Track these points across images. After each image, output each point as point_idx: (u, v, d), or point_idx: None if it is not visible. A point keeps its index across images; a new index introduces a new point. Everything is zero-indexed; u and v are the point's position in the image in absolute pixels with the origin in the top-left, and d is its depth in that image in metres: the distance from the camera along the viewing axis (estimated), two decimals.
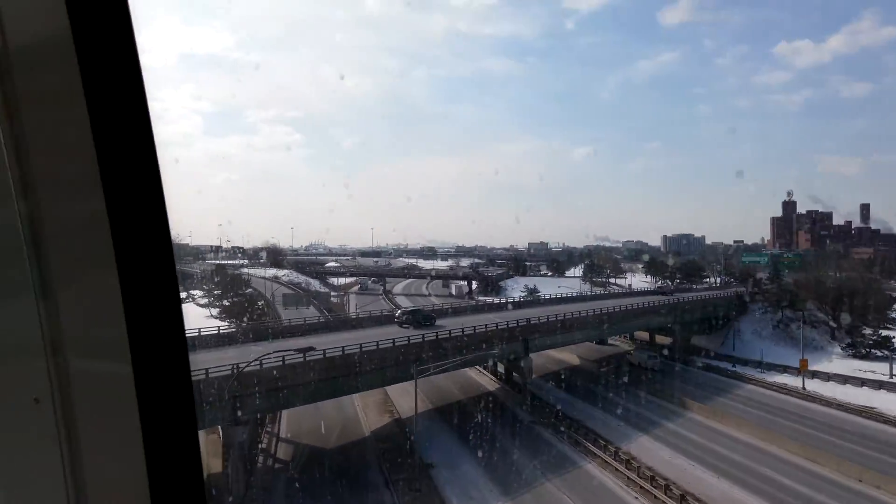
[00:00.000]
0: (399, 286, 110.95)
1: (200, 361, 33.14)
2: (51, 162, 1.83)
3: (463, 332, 44.48)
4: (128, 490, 1.85)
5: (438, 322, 50.22)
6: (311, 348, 31.89)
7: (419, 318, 50.49)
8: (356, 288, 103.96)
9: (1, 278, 1.93)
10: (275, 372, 31.91)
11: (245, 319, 61.48)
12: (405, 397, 47.26)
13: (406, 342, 40.87)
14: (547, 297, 74.20)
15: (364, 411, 45.71)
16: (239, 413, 30.22)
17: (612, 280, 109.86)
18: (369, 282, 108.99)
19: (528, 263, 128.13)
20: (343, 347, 36.11)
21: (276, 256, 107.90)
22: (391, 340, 39.88)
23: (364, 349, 37.19)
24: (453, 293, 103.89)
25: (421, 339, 41.74)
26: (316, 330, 49.25)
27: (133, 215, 1.77)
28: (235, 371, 30.20)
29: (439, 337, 42.92)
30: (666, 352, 61.70)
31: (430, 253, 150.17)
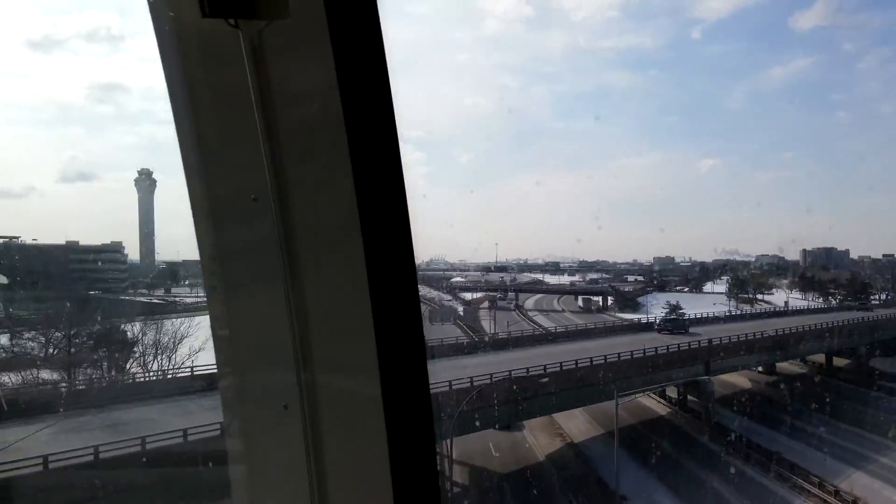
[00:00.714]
0: (529, 301, 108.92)
1: None
2: (306, 174, 1.95)
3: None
4: (370, 494, 1.93)
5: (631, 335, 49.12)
6: (545, 377, 30.66)
7: (677, 326, 57.42)
8: (486, 303, 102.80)
9: (260, 296, 2.12)
10: (514, 385, 31.38)
11: None
12: (571, 420, 45.19)
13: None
14: (700, 315, 69.89)
15: (532, 434, 43.88)
16: (477, 423, 30.06)
17: (758, 297, 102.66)
18: (497, 297, 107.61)
19: (665, 279, 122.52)
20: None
21: None
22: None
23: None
24: (588, 309, 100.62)
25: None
26: (470, 350, 48.21)
27: (382, 235, 1.85)
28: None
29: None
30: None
31: (553, 268, 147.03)
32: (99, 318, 41.29)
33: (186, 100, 2.15)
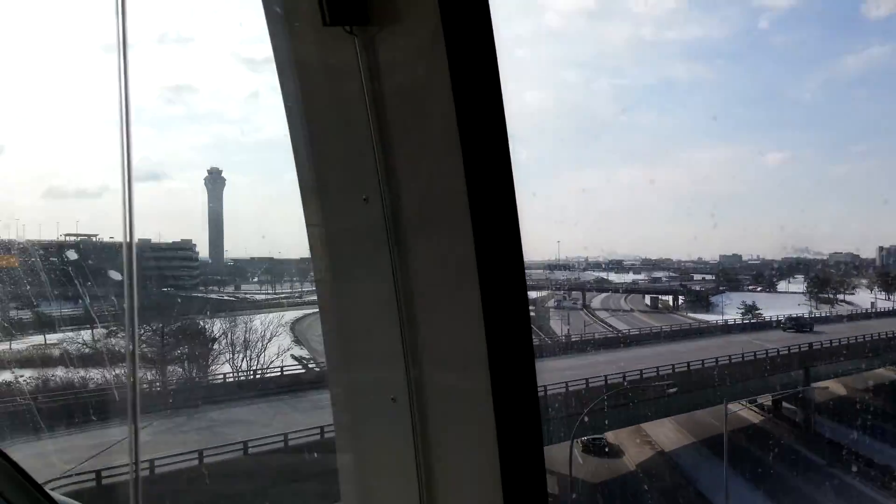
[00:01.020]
0: (596, 300, 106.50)
1: None
2: (414, 169, 1.96)
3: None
4: (480, 487, 1.91)
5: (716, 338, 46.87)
6: (672, 383, 29.14)
7: (803, 324, 57.24)
8: (552, 302, 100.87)
9: (369, 292, 2.14)
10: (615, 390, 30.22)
11: None
12: (657, 426, 43.18)
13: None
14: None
15: (617, 440, 42.11)
16: (586, 424, 29.16)
17: (838, 297, 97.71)
18: (562, 295, 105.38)
19: (737, 277, 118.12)
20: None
21: None
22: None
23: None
24: (655, 307, 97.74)
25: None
26: (551, 352, 46.72)
27: (492, 234, 1.83)
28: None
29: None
30: None
31: (616, 266, 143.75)
32: (182, 316, 41.47)
33: (300, 103, 2.21)
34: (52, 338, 41.19)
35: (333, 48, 2.03)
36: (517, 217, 1.93)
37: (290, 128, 2.25)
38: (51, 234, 55.04)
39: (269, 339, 35.14)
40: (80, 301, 39.48)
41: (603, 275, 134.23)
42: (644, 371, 34.04)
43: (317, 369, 36.42)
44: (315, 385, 30.23)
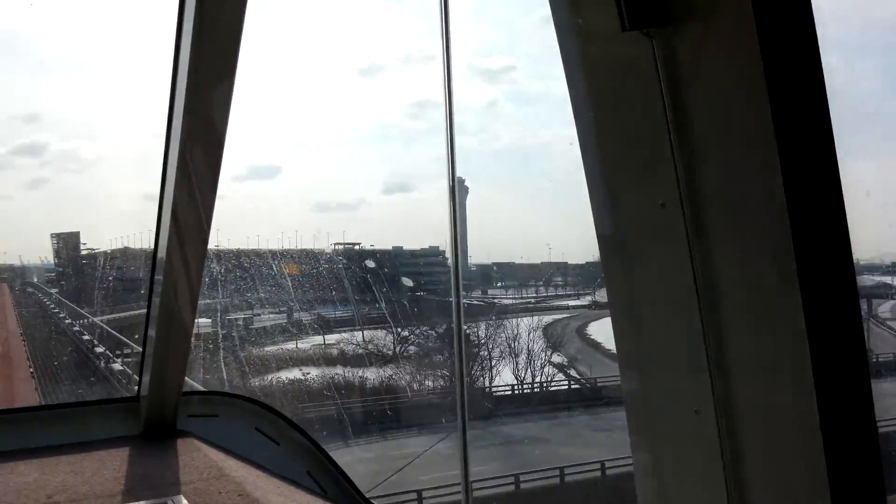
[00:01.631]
0: (882, 308, 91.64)
1: None
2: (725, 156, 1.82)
3: None
4: None
5: None
6: None
7: None
8: None
9: (667, 297, 2.04)
10: None
11: None
12: None
13: None
14: None
15: None
16: None
17: None
18: None
19: None
20: None
21: None
22: None
23: None
24: None
25: None
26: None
27: (816, 237, 1.68)
28: None
29: None
30: None
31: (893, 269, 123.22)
32: (442, 319, 41.51)
33: (593, 110, 2.18)
34: (333, 338, 43.39)
35: (630, 53, 1.97)
36: (846, 221, 1.73)
37: (579, 135, 2.25)
38: (322, 243, 59.43)
39: (553, 350, 33.44)
40: (375, 304, 41.33)
41: (887, 279, 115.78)
42: None
43: (583, 381, 34.13)
44: (595, 401, 27.88)
